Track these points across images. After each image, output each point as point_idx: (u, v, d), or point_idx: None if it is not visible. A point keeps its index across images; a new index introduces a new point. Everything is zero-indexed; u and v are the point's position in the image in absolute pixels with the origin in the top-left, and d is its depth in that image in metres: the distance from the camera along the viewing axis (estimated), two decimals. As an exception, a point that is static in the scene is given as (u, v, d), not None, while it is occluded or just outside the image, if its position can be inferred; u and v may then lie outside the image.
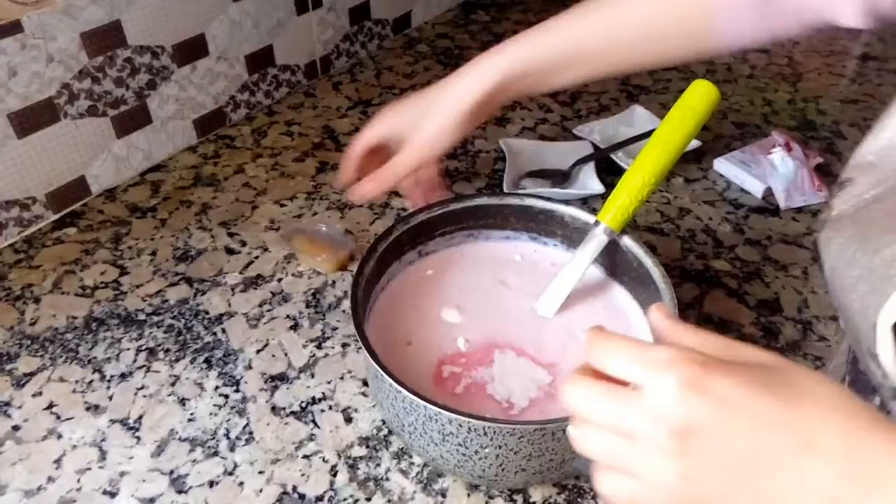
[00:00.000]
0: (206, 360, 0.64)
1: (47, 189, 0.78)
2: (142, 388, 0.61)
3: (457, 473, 0.53)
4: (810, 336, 0.66)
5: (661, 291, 0.56)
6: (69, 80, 0.76)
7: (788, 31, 0.52)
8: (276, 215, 0.81)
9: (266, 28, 0.96)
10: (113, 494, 0.53)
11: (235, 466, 0.55)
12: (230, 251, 0.76)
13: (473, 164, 0.90)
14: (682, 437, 0.29)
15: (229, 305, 0.69)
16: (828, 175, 0.87)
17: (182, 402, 0.60)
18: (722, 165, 0.88)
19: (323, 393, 0.61)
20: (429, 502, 0.53)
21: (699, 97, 0.58)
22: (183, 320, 0.68)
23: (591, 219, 0.62)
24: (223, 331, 0.67)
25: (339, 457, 0.56)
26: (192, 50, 0.88)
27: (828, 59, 1.16)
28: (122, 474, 0.55)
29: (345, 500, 0.53)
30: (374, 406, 0.60)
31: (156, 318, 0.68)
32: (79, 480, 0.54)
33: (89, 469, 0.55)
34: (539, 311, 0.61)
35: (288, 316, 0.68)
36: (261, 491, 0.53)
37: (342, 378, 0.62)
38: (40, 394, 0.61)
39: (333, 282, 0.72)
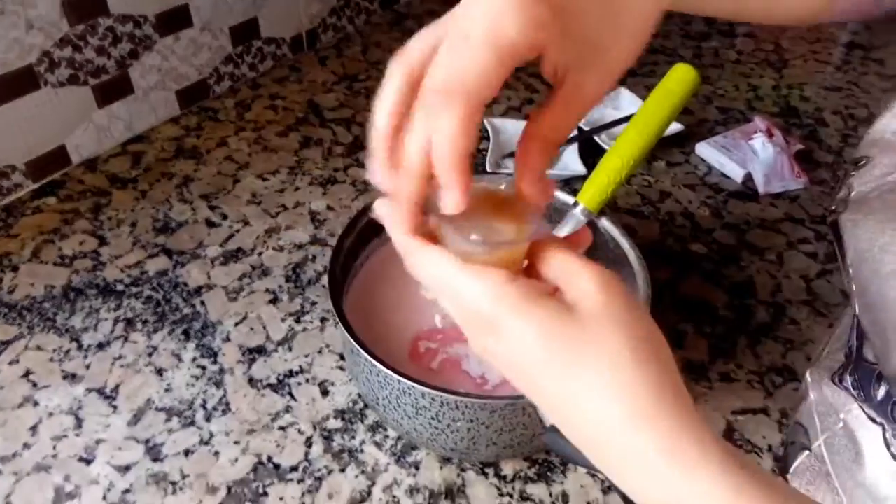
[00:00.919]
0: (185, 332, 0.64)
1: (27, 158, 0.78)
2: (119, 357, 0.62)
3: (430, 446, 0.54)
4: (782, 319, 0.67)
5: (636, 273, 0.56)
6: (49, 47, 0.75)
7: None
8: (258, 189, 0.81)
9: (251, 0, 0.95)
10: (89, 461, 0.54)
11: (211, 436, 0.56)
12: (211, 224, 0.76)
13: (457, 142, 0.90)
14: (489, 327, 0.31)
15: (209, 278, 0.70)
16: (808, 162, 0.88)
17: (159, 372, 0.61)
18: (704, 150, 0.89)
19: (300, 366, 0.61)
20: (402, 474, 0.54)
21: (678, 80, 0.58)
22: (162, 292, 0.68)
23: (570, 199, 0.62)
24: (202, 303, 0.67)
25: (315, 429, 0.57)
26: (176, 20, 0.87)
27: (814, 45, 1.16)
28: (98, 442, 0.55)
29: (319, 470, 0.54)
30: (350, 380, 0.60)
31: (134, 289, 0.68)
32: (55, 447, 0.54)
33: (65, 436, 0.55)
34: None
35: (267, 290, 0.69)
36: (236, 460, 0.54)
37: (320, 352, 0.63)
38: (17, 361, 0.61)
39: (314, 256, 0.72)
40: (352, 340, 0.49)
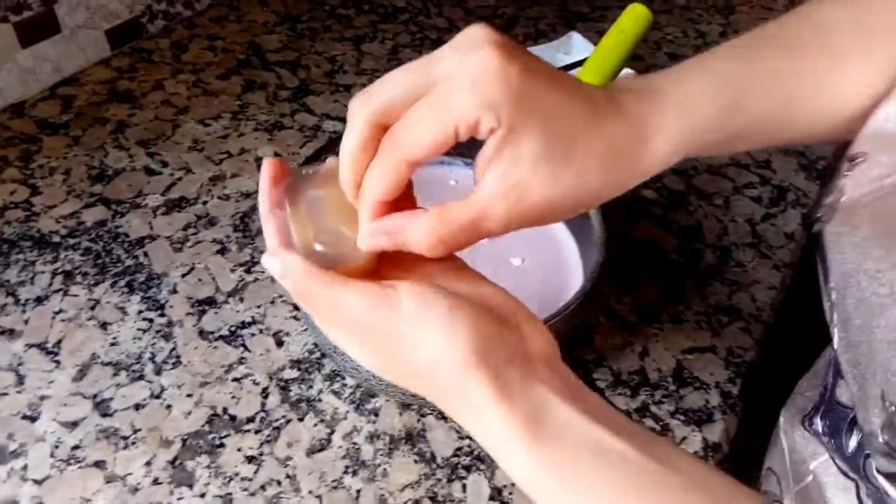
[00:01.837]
0: (128, 284, 0.62)
1: (-57, 101, 0.72)
2: (59, 312, 0.59)
3: (388, 394, 0.54)
4: (728, 262, 0.69)
5: (590, 216, 0.57)
6: (-38, -22, 0.69)
7: None
8: (200, 135, 0.77)
9: (185, -68, 0.89)
10: (33, 419, 0.52)
11: (162, 390, 0.54)
12: (150, 172, 0.72)
13: (407, 86, 0.88)
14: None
15: (151, 228, 0.67)
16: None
17: (103, 326, 0.58)
18: (653, 95, 0.89)
19: (252, 317, 0.60)
20: (361, 421, 0.53)
21: (632, 19, 0.57)
22: (101, 243, 0.65)
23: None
24: (145, 254, 0.64)
25: (271, 379, 0.56)
26: (103, -48, 0.81)
27: (759, -8, 1.17)
28: (43, 398, 0.53)
29: (277, 420, 0.53)
30: (305, 329, 0.59)
31: (72, 241, 0.65)
32: (-6, 406, 0.52)
33: (6, 394, 0.53)
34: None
35: (214, 240, 0.66)
36: (190, 413, 0.53)
37: (272, 302, 0.61)
38: (-53, 318, 0.57)
39: (262, 205, 0.70)
40: (308, 289, 0.47)
